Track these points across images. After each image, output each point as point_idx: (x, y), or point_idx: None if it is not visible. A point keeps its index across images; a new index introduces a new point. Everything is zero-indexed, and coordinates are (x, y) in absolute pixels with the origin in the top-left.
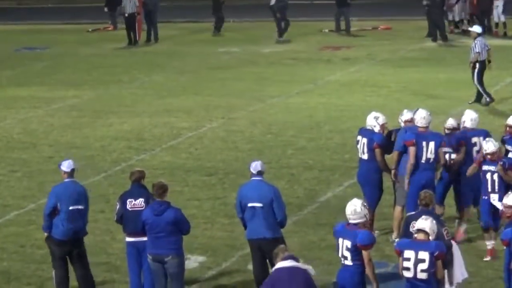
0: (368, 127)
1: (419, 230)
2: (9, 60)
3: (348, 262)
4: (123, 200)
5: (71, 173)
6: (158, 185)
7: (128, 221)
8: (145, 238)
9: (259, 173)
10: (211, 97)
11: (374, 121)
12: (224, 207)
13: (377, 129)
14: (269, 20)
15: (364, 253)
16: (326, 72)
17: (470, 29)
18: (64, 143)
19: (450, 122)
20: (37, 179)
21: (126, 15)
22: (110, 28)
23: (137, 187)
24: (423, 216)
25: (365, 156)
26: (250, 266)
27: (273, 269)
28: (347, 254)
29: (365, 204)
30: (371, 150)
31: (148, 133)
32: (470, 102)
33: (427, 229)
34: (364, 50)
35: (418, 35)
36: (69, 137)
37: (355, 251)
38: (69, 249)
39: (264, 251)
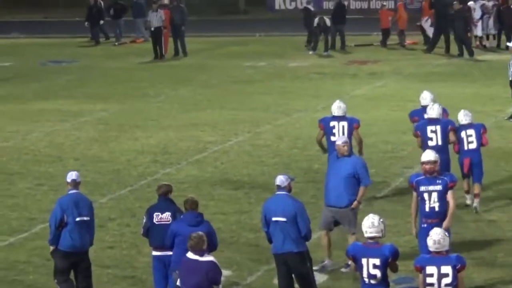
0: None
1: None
2: (36, 73)
3: (376, 281)
4: (150, 214)
5: (76, 185)
6: (192, 200)
7: (154, 234)
8: (171, 252)
9: (283, 187)
10: (237, 111)
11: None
12: (250, 221)
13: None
14: (296, 35)
15: (394, 264)
16: (352, 86)
17: (508, 44)
18: (90, 157)
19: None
20: (63, 192)
21: (152, 29)
22: (139, 41)
23: (164, 201)
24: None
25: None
26: (276, 281)
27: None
28: (376, 272)
29: (382, 219)
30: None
31: (174, 147)
32: (506, 118)
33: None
34: (390, 65)
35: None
36: (95, 151)
37: (385, 267)
38: (75, 261)
39: (289, 266)
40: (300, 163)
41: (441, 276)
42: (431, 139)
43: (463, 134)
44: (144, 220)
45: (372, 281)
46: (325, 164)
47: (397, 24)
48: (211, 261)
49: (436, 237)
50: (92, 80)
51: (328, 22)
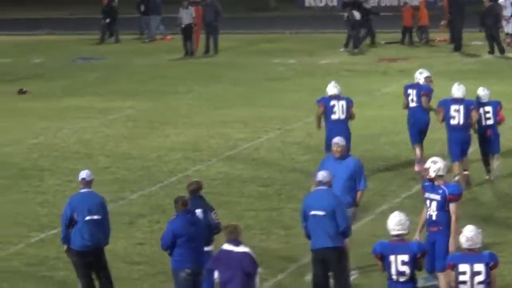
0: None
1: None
2: (65, 70)
3: (405, 278)
4: None
5: (87, 183)
6: (184, 199)
7: None
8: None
9: (325, 183)
10: (267, 108)
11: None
12: (281, 218)
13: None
14: (326, 32)
15: (421, 261)
16: (382, 84)
17: None
18: (120, 154)
19: None
20: (93, 189)
21: (183, 26)
22: (168, 38)
23: (195, 198)
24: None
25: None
26: (307, 278)
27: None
28: (405, 268)
29: (408, 217)
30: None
31: (205, 143)
32: None
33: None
34: (420, 62)
35: (475, 47)
36: (125, 148)
37: (414, 264)
38: (90, 260)
39: (326, 261)
40: None
41: (474, 274)
42: (454, 117)
43: (481, 110)
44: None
45: (401, 279)
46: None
47: (419, 21)
48: (246, 252)
49: (468, 234)
50: (121, 77)
51: (357, 16)
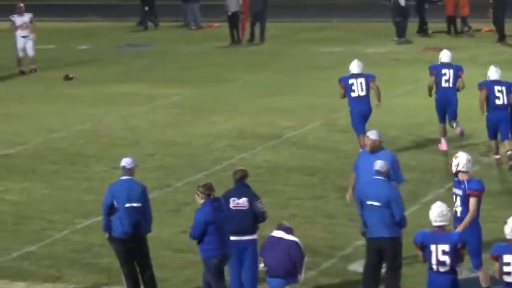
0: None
1: None
2: (112, 57)
3: (445, 268)
4: (226, 199)
5: (128, 171)
6: (208, 185)
7: (230, 219)
8: (246, 237)
9: (382, 172)
10: (313, 97)
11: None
12: (325, 207)
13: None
14: (373, 21)
15: (462, 252)
16: (428, 73)
17: None
18: (166, 141)
19: None
20: (138, 175)
21: (230, 13)
22: (215, 26)
23: (241, 186)
24: None
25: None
26: (351, 267)
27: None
28: (445, 258)
29: (449, 208)
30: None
31: (250, 132)
32: None
33: None
34: (467, 52)
35: None
36: (171, 135)
37: (455, 254)
38: (130, 246)
39: (381, 251)
40: None
41: None
42: (498, 98)
43: (495, 88)
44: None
45: (441, 269)
46: (400, 151)
47: (460, 11)
48: (295, 241)
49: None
50: (168, 64)
51: (402, 2)
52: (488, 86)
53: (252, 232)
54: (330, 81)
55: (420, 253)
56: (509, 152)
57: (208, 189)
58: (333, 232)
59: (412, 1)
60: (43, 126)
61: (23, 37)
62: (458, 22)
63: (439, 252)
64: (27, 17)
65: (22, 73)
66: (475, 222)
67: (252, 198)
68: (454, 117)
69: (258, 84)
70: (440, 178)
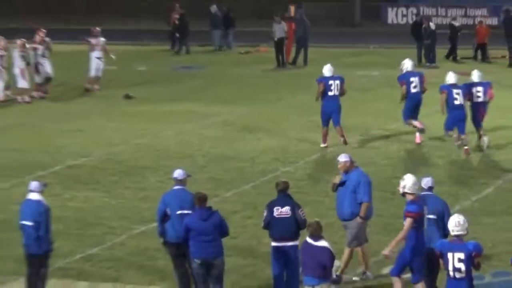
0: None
1: None
2: (168, 78)
3: (461, 275)
4: (270, 208)
5: (180, 181)
6: (199, 196)
7: (274, 227)
8: (289, 243)
9: (430, 188)
10: (350, 116)
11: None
12: None
13: None
14: (407, 47)
15: (477, 260)
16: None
17: None
18: (217, 155)
19: None
20: (190, 186)
21: (276, 39)
22: (262, 50)
23: (283, 196)
24: None
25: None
26: (384, 271)
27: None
28: (461, 265)
29: (466, 218)
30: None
31: (293, 147)
32: None
33: None
34: (491, 76)
35: None
36: (221, 149)
37: (469, 262)
38: (183, 251)
39: (431, 260)
40: (408, 164)
41: None
42: (456, 99)
43: (474, 90)
44: (265, 214)
45: (457, 275)
46: (431, 166)
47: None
48: (325, 247)
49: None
50: (218, 85)
51: (433, 26)
52: (447, 89)
53: (294, 238)
54: (367, 102)
55: (440, 261)
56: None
57: (198, 199)
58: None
59: (442, 29)
60: (105, 140)
61: (97, 58)
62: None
63: (455, 259)
64: (101, 40)
65: (87, 90)
66: (418, 240)
67: (294, 206)
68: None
69: (300, 103)
70: (467, 192)
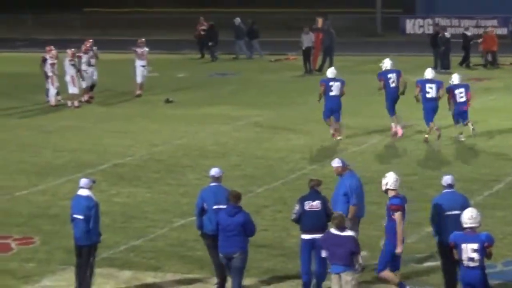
0: None
1: None
2: (204, 83)
3: (475, 263)
4: (301, 202)
5: (216, 179)
6: (233, 194)
7: (305, 220)
8: (319, 235)
9: (450, 186)
10: (371, 118)
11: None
12: (380, 211)
13: None
14: (423, 55)
15: (489, 250)
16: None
17: None
18: (248, 154)
19: None
20: (225, 183)
21: (304, 48)
22: (291, 58)
23: (314, 192)
24: None
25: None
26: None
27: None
28: (474, 255)
29: (479, 212)
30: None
31: (319, 147)
32: None
33: None
34: (503, 82)
35: None
36: (253, 149)
37: (482, 251)
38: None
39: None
40: (423, 163)
41: None
42: (429, 92)
43: (457, 91)
44: (297, 208)
45: (471, 264)
46: (445, 165)
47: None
48: (351, 236)
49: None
50: (250, 90)
51: (447, 35)
52: (422, 83)
53: (323, 230)
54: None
55: (454, 251)
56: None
57: (231, 197)
58: None
59: (455, 39)
60: (147, 140)
61: (142, 66)
62: (489, 56)
63: (469, 250)
64: (145, 50)
65: (138, 96)
66: (394, 232)
67: (325, 201)
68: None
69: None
70: (478, 188)
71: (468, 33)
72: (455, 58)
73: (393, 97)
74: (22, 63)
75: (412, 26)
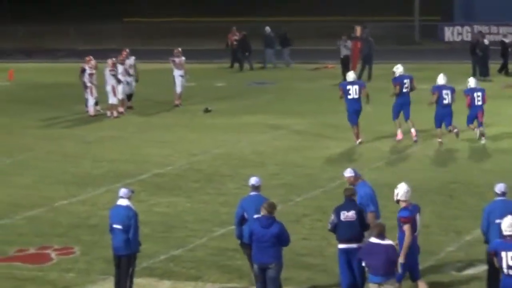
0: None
1: None
2: (243, 92)
3: None
4: (337, 212)
5: (256, 188)
6: (268, 204)
7: (341, 230)
8: (355, 245)
9: (503, 194)
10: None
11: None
12: (422, 219)
13: None
14: (462, 62)
15: None
16: (506, 106)
17: None
18: (288, 163)
19: None
20: (265, 192)
21: (342, 57)
22: (330, 67)
23: (349, 201)
24: None
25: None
26: (443, 269)
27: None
28: None
29: None
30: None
31: (358, 154)
32: None
33: None
34: None
35: None
36: (292, 158)
37: None
38: None
39: None
40: (465, 171)
41: None
42: (445, 98)
43: (475, 94)
44: (332, 218)
45: (511, 272)
46: (485, 172)
47: None
48: (391, 244)
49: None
50: (289, 98)
51: (486, 41)
52: (438, 89)
53: (359, 240)
54: (426, 112)
55: (494, 258)
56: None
57: (266, 208)
58: (427, 239)
59: (494, 46)
60: (186, 150)
61: (180, 76)
62: None
63: (509, 258)
64: (182, 59)
65: (176, 106)
66: (412, 243)
67: (360, 211)
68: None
69: (365, 115)
70: None
71: (507, 40)
72: (494, 65)
73: (403, 102)
74: (63, 73)
75: (451, 33)
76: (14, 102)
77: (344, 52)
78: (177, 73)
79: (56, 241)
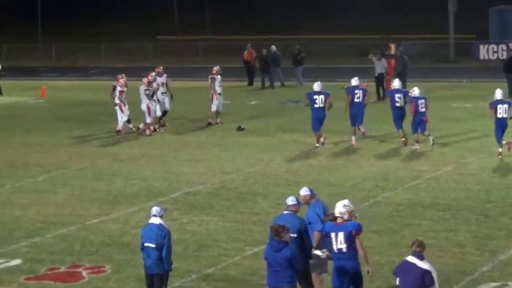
0: None
1: None
2: (276, 111)
3: None
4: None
5: (289, 207)
6: (274, 228)
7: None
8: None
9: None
10: (446, 145)
11: None
12: (456, 238)
13: None
14: (498, 81)
15: None
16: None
17: None
18: (322, 181)
19: None
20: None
21: (376, 74)
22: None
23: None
24: None
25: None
26: None
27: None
28: None
29: None
30: None
31: (392, 174)
32: None
33: None
34: None
35: None
36: (326, 176)
37: None
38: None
39: None
40: (499, 190)
41: None
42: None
43: (499, 106)
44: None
45: None
46: None
47: None
48: (428, 270)
49: None
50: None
51: None
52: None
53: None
54: (461, 132)
55: None
56: None
57: (273, 232)
58: (463, 259)
59: None
60: (219, 168)
61: (219, 94)
62: None
63: None
64: (219, 78)
65: (209, 124)
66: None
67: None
68: None
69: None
70: None
71: None
72: None
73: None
74: (96, 91)
75: (486, 51)
76: (47, 119)
77: (378, 69)
78: (216, 91)
79: (88, 260)
